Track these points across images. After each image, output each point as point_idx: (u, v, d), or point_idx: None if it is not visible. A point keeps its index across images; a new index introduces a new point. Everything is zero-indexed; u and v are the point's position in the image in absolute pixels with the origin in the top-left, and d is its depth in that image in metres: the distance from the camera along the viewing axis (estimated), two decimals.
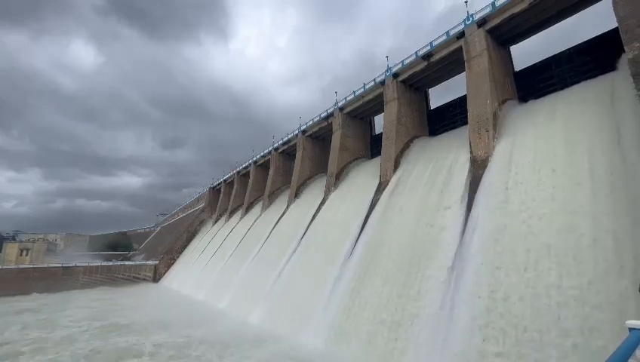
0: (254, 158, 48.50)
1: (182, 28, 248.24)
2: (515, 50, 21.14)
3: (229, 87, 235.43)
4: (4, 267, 41.07)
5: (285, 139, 40.67)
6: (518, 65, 20.92)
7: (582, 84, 16.25)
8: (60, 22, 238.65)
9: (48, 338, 18.91)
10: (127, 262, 53.46)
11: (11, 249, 49.92)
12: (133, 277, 47.28)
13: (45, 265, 42.77)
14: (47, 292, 38.15)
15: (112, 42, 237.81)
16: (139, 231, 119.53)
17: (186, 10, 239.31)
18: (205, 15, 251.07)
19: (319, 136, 36.44)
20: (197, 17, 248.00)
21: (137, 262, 53.32)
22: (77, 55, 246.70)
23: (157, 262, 51.43)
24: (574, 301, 9.12)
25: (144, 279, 48.16)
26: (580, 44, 18.20)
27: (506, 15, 18.14)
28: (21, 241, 57.51)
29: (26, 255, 49.64)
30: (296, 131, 38.08)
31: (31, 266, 42.00)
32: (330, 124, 32.35)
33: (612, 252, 9.26)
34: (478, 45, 18.97)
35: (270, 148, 43.97)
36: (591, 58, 17.37)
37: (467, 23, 19.93)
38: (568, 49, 18.61)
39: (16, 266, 41.90)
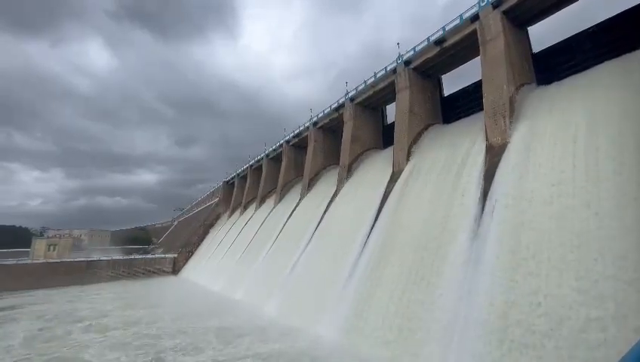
0: (266, 152, 48.85)
1: (191, 28, 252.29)
2: (533, 30, 20.24)
3: (239, 83, 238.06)
4: (34, 261, 43.31)
5: (296, 131, 40.69)
6: (537, 47, 20.04)
7: (605, 64, 15.43)
8: (77, 28, 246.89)
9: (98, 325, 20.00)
10: (147, 256, 55.42)
11: (39, 244, 52.42)
12: (154, 271, 49.01)
13: (72, 260, 44.82)
14: (74, 285, 40.08)
15: (126, 45, 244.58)
16: (157, 225, 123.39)
17: (194, 11, 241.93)
18: (213, 14, 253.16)
19: (330, 127, 36.25)
20: (205, 17, 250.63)
21: (157, 256, 55.19)
22: (93, 59, 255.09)
23: (176, 255, 53.05)
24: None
25: (164, 272, 49.85)
26: (602, 22, 17.23)
27: None
28: (48, 237, 60.35)
29: (53, 250, 52.06)
30: (307, 123, 38.01)
31: (58, 261, 44.08)
32: (341, 115, 32.09)
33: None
34: (494, 28, 18.26)
35: (282, 141, 44.12)
36: (614, 37, 16.42)
37: (481, 4, 19.17)
38: (590, 27, 17.66)
39: (45, 261, 44.08)
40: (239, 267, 33.35)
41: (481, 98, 18.10)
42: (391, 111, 30.98)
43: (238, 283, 29.88)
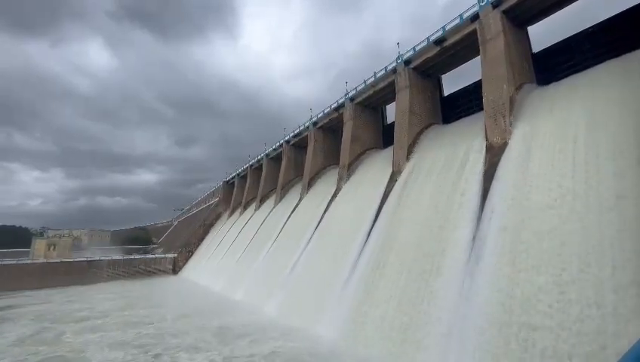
0: (266, 151, 48.86)
1: (191, 28, 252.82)
2: (533, 30, 20.23)
3: (239, 83, 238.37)
4: (34, 261, 43.29)
5: (296, 131, 40.70)
6: (537, 47, 20.03)
7: (605, 64, 15.43)
8: (77, 28, 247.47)
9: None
10: (148, 256, 55.42)
11: (40, 244, 52.38)
12: (154, 270, 49.06)
13: (72, 260, 44.83)
14: (74, 285, 40.10)
15: (126, 45, 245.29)
16: (157, 225, 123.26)
17: (194, 11, 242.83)
18: (213, 14, 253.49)
19: (330, 127, 36.25)
20: (205, 17, 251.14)
21: (158, 256, 55.17)
22: (93, 59, 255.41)
23: (176, 255, 53.07)
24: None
25: (164, 271, 49.88)
26: (602, 22, 17.21)
27: None
28: (48, 237, 60.35)
29: (54, 250, 52.02)
30: (307, 123, 38.00)
31: (58, 261, 44.05)
32: (341, 115, 32.09)
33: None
34: (494, 27, 18.26)
35: (282, 141, 44.12)
36: (614, 37, 16.43)
37: (481, 4, 19.17)
38: (590, 27, 17.65)
39: (45, 261, 44.06)
40: (239, 267, 33.37)
41: (481, 98, 18.10)
42: (391, 111, 30.98)
43: (238, 283, 29.90)
